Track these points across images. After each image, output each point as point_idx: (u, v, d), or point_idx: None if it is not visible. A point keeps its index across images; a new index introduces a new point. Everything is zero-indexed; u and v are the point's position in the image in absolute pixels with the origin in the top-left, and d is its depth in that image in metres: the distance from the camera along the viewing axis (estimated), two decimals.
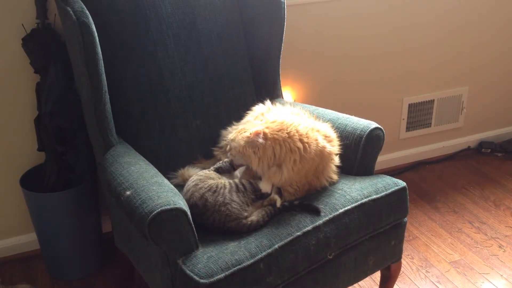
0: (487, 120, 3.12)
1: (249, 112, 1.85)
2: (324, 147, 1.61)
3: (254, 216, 1.51)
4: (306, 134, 1.57)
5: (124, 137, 1.78)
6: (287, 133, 1.54)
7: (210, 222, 1.49)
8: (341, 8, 2.45)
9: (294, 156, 1.53)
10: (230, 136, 1.63)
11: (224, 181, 1.57)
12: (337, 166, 1.71)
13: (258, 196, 1.56)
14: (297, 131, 1.56)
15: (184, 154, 1.88)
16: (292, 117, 1.63)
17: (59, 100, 1.93)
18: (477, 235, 2.37)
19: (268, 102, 1.85)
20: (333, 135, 1.69)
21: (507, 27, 2.90)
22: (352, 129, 1.76)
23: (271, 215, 1.52)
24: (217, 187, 1.53)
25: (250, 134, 1.54)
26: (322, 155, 1.61)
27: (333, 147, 1.66)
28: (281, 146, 1.53)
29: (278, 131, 1.54)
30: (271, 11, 1.97)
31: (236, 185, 1.54)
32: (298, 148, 1.54)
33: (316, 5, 2.39)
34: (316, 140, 1.59)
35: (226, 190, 1.52)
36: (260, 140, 1.52)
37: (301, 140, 1.55)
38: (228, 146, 1.62)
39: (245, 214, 1.50)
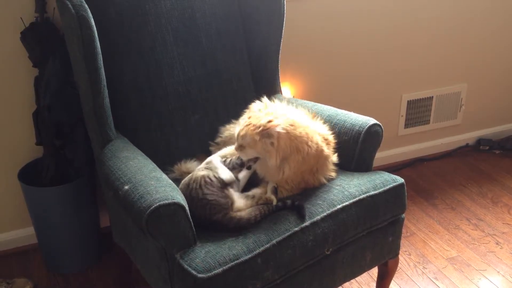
0: (485, 118, 3.12)
1: (247, 110, 1.83)
2: (322, 150, 1.61)
3: (246, 213, 1.49)
4: (312, 137, 1.56)
5: (123, 132, 1.78)
6: (299, 132, 1.52)
7: (201, 216, 1.48)
8: (341, 4, 2.45)
9: (298, 156, 1.53)
10: (236, 131, 1.57)
11: (197, 174, 1.54)
12: (335, 164, 1.71)
13: (222, 185, 1.53)
14: (307, 134, 1.54)
15: (182, 148, 1.88)
16: (301, 117, 1.61)
17: (57, 94, 1.93)
18: (474, 231, 2.37)
19: (265, 98, 1.83)
20: (331, 137, 1.69)
21: (506, 25, 2.90)
22: (351, 125, 1.76)
23: (264, 216, 1.50)
24: (194, 181, 1.51)
25: (265, 126, 1.48)
26: (319, 157, 1.61)
27: (330, 150, 1.66)
28: (291, 141, 1.51)
29: (291, 126, 1.51)
30: (271, 6, 1.96)
31: (204, 180, 1.52)
32: (303, 150, 1.53)
33: (316, 0, 2.39)
34: (317, 143, 1.59)
35: (197, 185, 1.51)
36: (279, 129, 1.47)
37: (307, 144, 1.54)
38: (237, 145, 1.56)
39: (228, 201, 1.48)
